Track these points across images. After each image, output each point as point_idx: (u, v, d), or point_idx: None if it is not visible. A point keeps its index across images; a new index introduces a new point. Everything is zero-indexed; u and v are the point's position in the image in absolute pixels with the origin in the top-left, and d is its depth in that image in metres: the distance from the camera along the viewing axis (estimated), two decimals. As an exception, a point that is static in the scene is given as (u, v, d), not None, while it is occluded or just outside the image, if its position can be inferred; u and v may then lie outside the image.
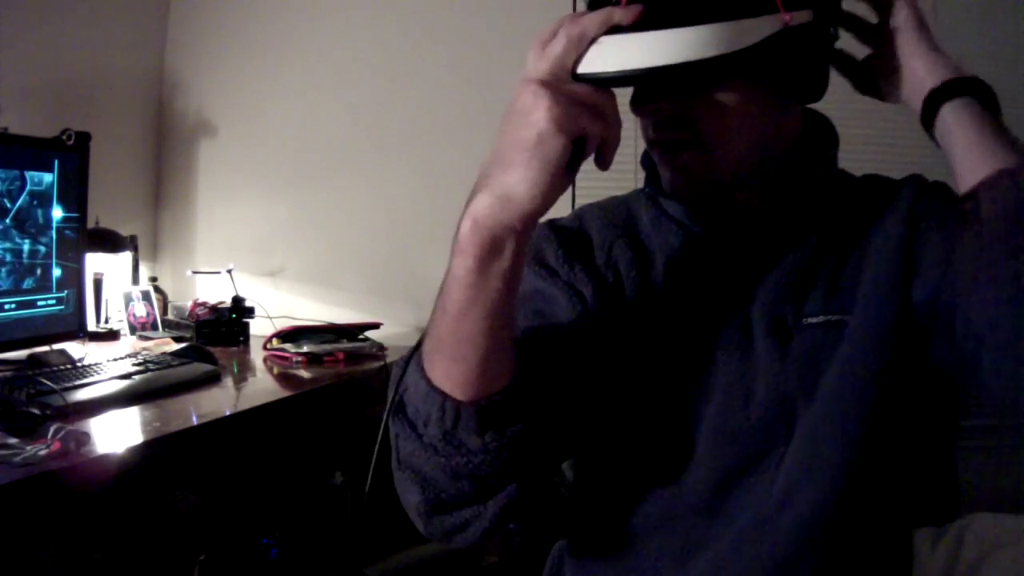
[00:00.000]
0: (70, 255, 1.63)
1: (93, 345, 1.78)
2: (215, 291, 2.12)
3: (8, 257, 1.49)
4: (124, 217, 2.13)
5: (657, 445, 0.75)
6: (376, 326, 1.93)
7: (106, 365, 1.42)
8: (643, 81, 0.68)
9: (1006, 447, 2.04)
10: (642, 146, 0.80)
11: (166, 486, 1.27)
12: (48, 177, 1.57)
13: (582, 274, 0.78)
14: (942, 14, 2.07)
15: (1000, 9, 2.09)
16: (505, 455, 0.63)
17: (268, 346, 1.85)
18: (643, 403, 0.76)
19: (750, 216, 0.77)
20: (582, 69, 0.61)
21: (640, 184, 0.86)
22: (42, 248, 1.56)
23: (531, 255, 0.79)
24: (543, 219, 0.68)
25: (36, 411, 1.13)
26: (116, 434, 1.12)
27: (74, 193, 1.63)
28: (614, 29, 0.62)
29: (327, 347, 1.79)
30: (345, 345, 1.82)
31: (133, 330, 1.95)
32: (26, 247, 1.52)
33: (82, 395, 1.24)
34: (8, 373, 1.35)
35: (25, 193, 1.51)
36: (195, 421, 1.21)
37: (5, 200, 1.47)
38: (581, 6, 0.71)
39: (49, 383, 1.22)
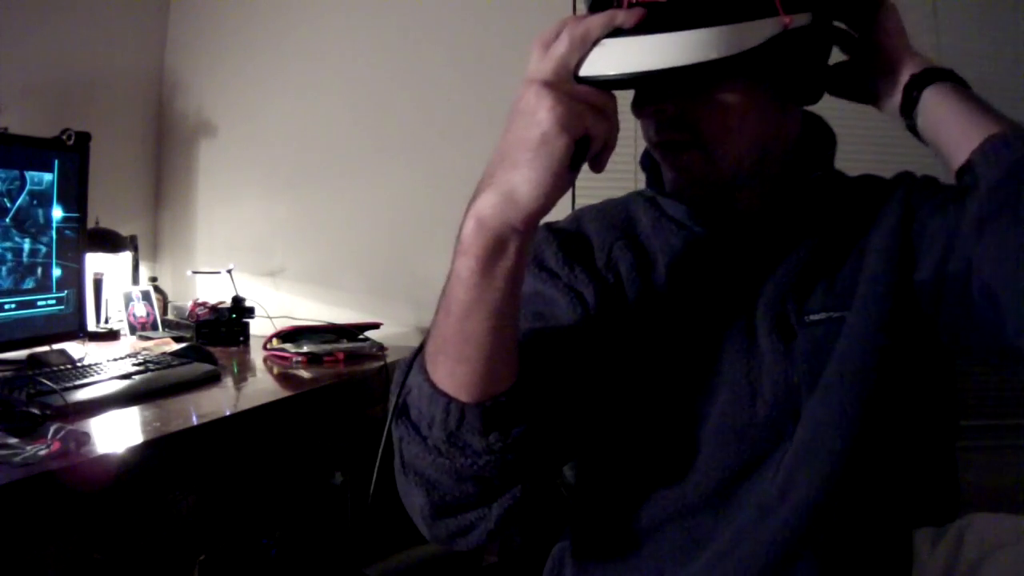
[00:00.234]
0: (70, 255, 1.63)
1: (93, 345, 1.78)
2: (215, 291, 2.12)
3: (8, 256, 1.49)
4: (124, 217, 2.13)
5: (661, 445, 0.76)
6: (376, 326, 1.93)
7: (106, 365, 1.42)
8: (645, 83, 0.69)
9: (1006, 447, 2.04)
10: (642, 146, 0.80)
11: (166, 486, 1.27)
12: (48, 177, 1.57)
13: (582, 276, 0.78)
14: (942, 14, 2.07)
15: (1000, 9, 2.09)
16: (509, 456, 0.63)
17: (268, 346, 1.85)
18: (647, 403, 0.76)
19: (751, 216, 0.78)
20: (585, 70, 0.61)
21: (640, 185, 0.86)
22: (42, 248, 1.56)
23: (530, 258, 0.80)
24: (542, 221, 0.68)
25: (36, 411, 1.13)
26: (116, 434, 1.12)
27: (74, 193, 1.63)
28: (617, 31, 0.62)
29: (327, 347, 1.79)
30: (345, 345, 1.82)
31: (133, 330, 1.95)
32: (26, 246, 1.52)
33: (82, 395, 1.24)
34: (8, 373, 1.35)
35: (25, 193, 1.51)
36: (195, 421, 1.21)
37: (5, 200, 1.48)
38: (581, 7, 0.72)
39: (49, 383, 1.22)
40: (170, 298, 2.22)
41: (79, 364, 1.45)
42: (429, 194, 2.13)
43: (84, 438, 1.02)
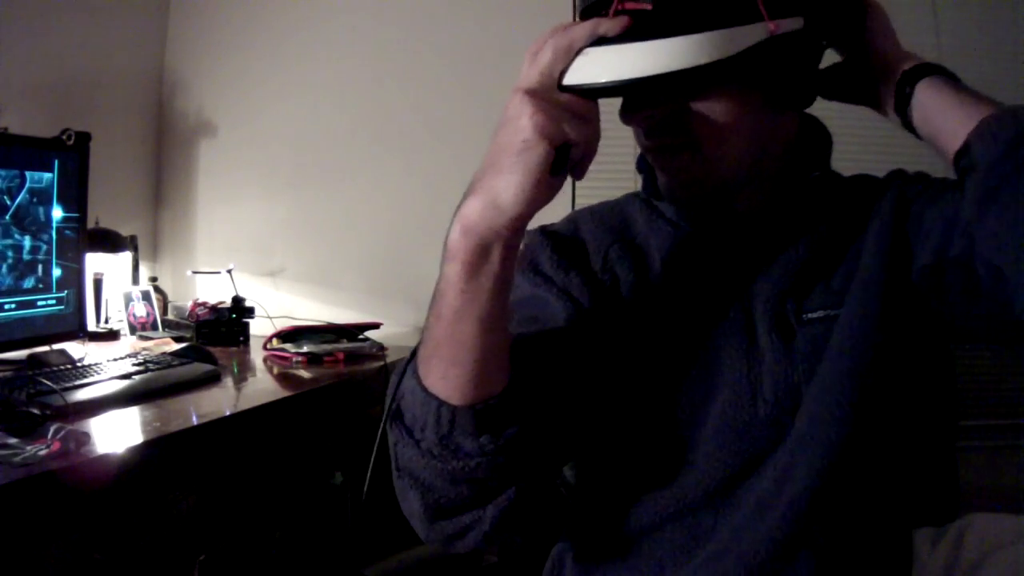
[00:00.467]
0: (70, 255, 1.63)
1: (93, 345, 1.78)
2: (215, 291, 2.12)
3: (9, 254, 1.49)
4: (124, 217, 2.13)
5: (661, 446, 0.76)
6: (376, 326, 1.93)
7: (106, 365, 1.42)
8: (628, 92, 0.69)
9: (1006, 447, 2.04)
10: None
11: (166, 486, 1.27)
12: (48, 176, 1.57)
13: (577, 279, 0.78)
14: (942, 14, 2.07)
15: (1000, 9, 2.09)
16: (501, 459, 0.64)
17: (268, 346, 1.85)
18: (646, 404, 0.76)
19: (749, 216, 0.78)
20: (569, 79, 0.62)
21: (640, 185, 0.86)
22: (42, 246, 1.56)
23: (525, 261, 0.80)
24: (537, 225, 0.69)
25: (36, 411, 1.13)
26: (116, 434, 1.12)
27: (74, 193, 1.63)
28: (601, 40, 0.63)
29: (327, 347, 1.79)
30: (345, 345, 1.82)
31: (133, 330, 1.95)
32: (26, 243, 1.52)
33: (82, 395, 1.24)
34: (8, 373, 1.35)
35: (24, 190, 1.51)
36: (195, 421, 1.21)
37: (4, 197, 1.48)
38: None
39: (49, 383, 1.22)
40: (170, 298, 2.22)
41: (79, 364, 1.45)
42: (429, 194, 2.12)
43: (84, 438, 1.02)
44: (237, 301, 1.98)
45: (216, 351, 1.70)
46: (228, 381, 1.55)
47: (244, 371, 1.70)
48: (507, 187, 0.58)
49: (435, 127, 2.16)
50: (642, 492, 0.76)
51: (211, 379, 1.49)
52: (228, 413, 1.30)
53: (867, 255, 0.75)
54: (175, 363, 1.49)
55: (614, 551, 0.78)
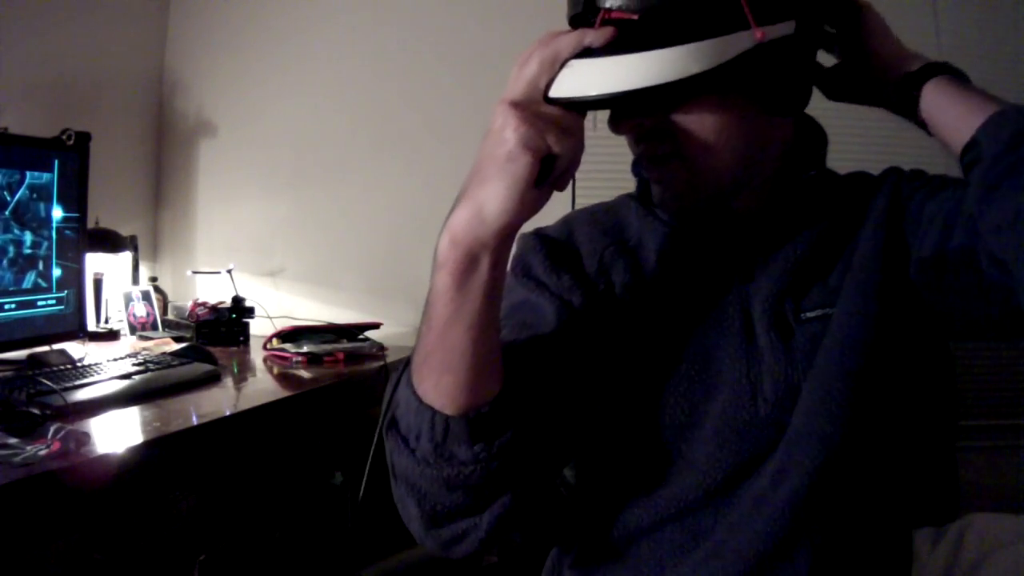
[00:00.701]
0: (70, 255, 1.63)
1: (93, 345, 1.78)
2: (215, 291, 2.12)
3: (10, 249, 1.49)
4: (124, 217, 2.13)
5: (660, 447, 0.76)
6: (376, 326, 1.93)
7: (106, 365, 1.42)
8: (613, 105, 0.69)
9: (1006, 447, 2.04)
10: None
11: (166, 486, 1.27)
12: (48, 175, 1.57)
13: (570, 283, 0.78)
14: (942, 14, 2.07)
15: (1000, 9, 2.09)
16: (495, 465, 0.64)
17: (268, 346, 1.85)
18: (645, 405, 0.76)
19: (746, 216, 0.78)
20: (554, 91, 0.62)
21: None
22: (42, 242, 1.56)
23: (518, 266, 0.81)
24: (532, 228, 0.69)
25: (36, 411, 1.13)
26: (116, 434, 1.12)
27: (74, 193, 1.63)
28: (587, 51, 0.63)
29: (327, 347, 1.79)
30: (345, 345, 1.82)
31: (133, 330, 1.95)
32: (27, 238, 1.52)
33: (82, 395, 1.24)
34: (8, 373, 1.35)
35: (24, 186, 1.51)
36: (195, 421, 1.21)
37: (4, 193, 1.47)
38: None
39: (49, 383, 1.22)
40: (170, 298, 2.22)
41: (79, 364, 1.45)
42: (429, 194, 2.12)
43: (84, 438, 1.02)
44: (237, 301, 1.98)
45: (216, 351, 1.70)
46: (228, 381, 1.55)
47: (244, 371, 1.70)
48: (492, 198, 0.59)
49: (435, 127, 2.16)
50: (641, 493, 0.76)
51: (211, 379, 1.49)
52: (228, 413, 1.31)
53: (861, 253, 0.76)
54: (175, 363, 1.49)
55: (614, 552, 0.78)
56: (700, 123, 0.69)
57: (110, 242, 1.95)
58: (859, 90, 0.80)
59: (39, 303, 1.56)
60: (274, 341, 1.84)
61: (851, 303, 0.73)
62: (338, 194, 2.24)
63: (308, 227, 2.27)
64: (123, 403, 1.26)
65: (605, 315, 0.77)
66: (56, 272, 1.60)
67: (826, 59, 0.81)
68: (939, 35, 2.04)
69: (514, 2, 2.07)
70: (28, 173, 1.52)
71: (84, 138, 1.64)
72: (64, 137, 1.61)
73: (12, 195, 1.49)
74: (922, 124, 0.75)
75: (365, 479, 0.68)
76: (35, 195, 1.54)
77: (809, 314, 0.75)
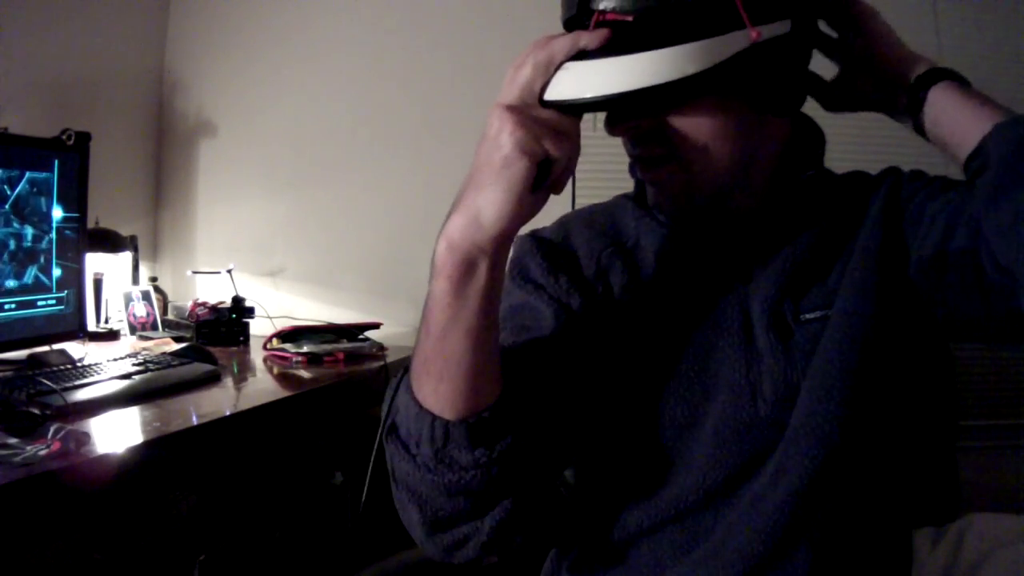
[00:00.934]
0: (70, 255, 1.63)
1: (93, 345, 1.78)
2: (215, 291, 2.12)
3: (11, 243, 1.48)
4: (124, 217, 2.13)
5: (660, 448, 0.75)
6: (376, 326, 1.93)
7: (106, 365, 1.42)
8: (608, 107, 0.69)
9: (1006, 447, 2.04)
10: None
11: (166, 486, 1.27)
12: (48, 173, 1.57)
13: (568, 285, 0.78)
14: (942, 14, 2.07)
15: (1000, 9, 2.09)
16: (495, 470, 0.64)
17: (268, 346, 1.85)
18: (643, 407, 0.76)
19: (744, 216, 0.78)
20: (549, 94, 0.62)
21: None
22: (43, 236, 1.56)
23: (515, 269, 0.81)
24: (528, 230, 0.68)
25: (36, 411, 1.13)
26: (116, 434, 1.12)
27: (74, 193, 1.63)
28: (582, 53, 0.63)
29: (327, 347, 1.79)
30: (345, 345, 1.82)
31: (133, 330, 1.95)
32: (28, 232, 1.52)
33: (82, 395, 1.24)
34: (8, 373, 1.35)
35: (24, 180, 1.51)
36: (195, 421, 1.21)
37: (5, 187, 1.47)
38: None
39: (49, 383, 1.22)
40: (170, 298, 2.22)
41: (79, 364, 1.45)
42: (429, 194, 2.12)
43: (84, 438, 1.02)
44: (237, 301, 1.98)
45: (216, 351, 1.69)
46: (228, 381, 1.55)
47: (244, 371, 1.70)
48: (488, 204, 0.59)
49: (435, 127, 2.16)
50: (641, 495, 0.76)
51: (211, 379, 1.49)
52: (228, 413, 1.30)
53: (858, 253, 0.75)
54: (175, 363, 1.49)
55: (613, 552, 0.78)
56: (696, 124, 0.69)
57: (110, 242, 1.95)
58: (861, 96, 0.79)
59: (39, 303, 1.56)
60: (274, 341, 1.84)
61: (850, 303, 0.73)
62: (338, 194, 2.24)
63: (308, 227, 2.27)
64: (123, 403, 1.26)
65: (603, 317, 0.77)
66: (56, 272, 1.60)
67: (823, 70, 0.81)
68: (939, 35, 2.04)
69: (515, 2, 2.07)
70: (28, 173, 1.52)
71: (84, 138, 1.64)
72: (64, 137, 1.61)
73: (12, 189, 1.49)
74: (920, 128, 0.75)
75: (367, 486, 0.68)
76: (35, 188, 1.53)
77: (808, 315, 0.75)
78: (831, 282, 0.76)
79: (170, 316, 2.10)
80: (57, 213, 1.59)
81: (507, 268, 0.73)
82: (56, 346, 1.58)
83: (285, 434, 1.49)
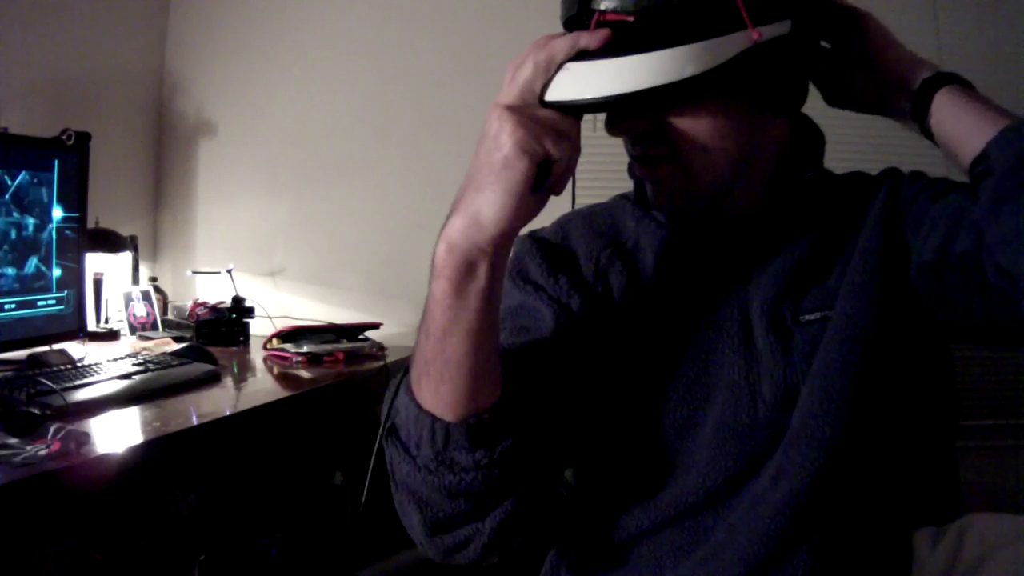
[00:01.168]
0: (70, 255, 1.63)
1: (93, 345, 1.78)
2: (215, 291, 2.12)
3: (12, 233, 1.48)
4: (124, 217, 2.13)
5: (659, 449, 0.75)
6: (376, 326, 1.93)
7: (106, 365, 1.42)
8: (608, 108, 0.69)
9: (1006, 447, 2.04)
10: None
11: (166, 486, 1.27)
12: (48, 175, 1.57)
13: (567, 286, 0.78)
14: (942, 14, 2.07)
15: (1000, 9, 2.09)
16: (496, 471, 0.64)
17: (268, 346, 1.85)
18: (643, 408, 0.76)
19: (743, 218, 0.77)
20: (550, 95, 0.62)
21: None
22: (42, 226, 1.55)
23: (514, 270, 0.80)
24: (526, 231, 0.68)
25: (36, 411, 1.13)
26: (116, 434, 1.12)
27: (74, 193, 1.63)
28: (583, 54, 0.62)
29: (327, 347, 1.79)
30: (345, 345, 1.82)
31: (133, 330, 1.94)
32: (29, 222, 1.51)
33: (82, 395, 1.23)
34: (8, 373, 1.35)
35: (24, 172, 1.51)
36: (195, 421, 1.21)
37: (5, 177, 1.47)
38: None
39: (49, 383, 1.22)
40: (170, 298, 2.21)
41: (79, 364, 1.45)
42: (429, 194, 2.12)
43: (84, 438, 1.02)
44: (237, 301, 1.98)
45: (216, 351, 1.69)
46: (228, 381, 1.55)
47: (244, 371, 1.70)
48: (488, 205, 0.59)
49: (436, 127, 2.16)
50: (641, 496, 0.76)
51: (211, 379, 1.49)
52: (228, 413, 1.30)
53: (858, 255, 0.75)
54: (175, 363, 1.49)
55: (613, 554, 0.78)
56: (696, 125, 0.69)
57: (110, 242, 1.95)
58: (861, 96, 0.79)
59: (39, 303, 1.56)
60: (274, 341, 1.84)
61: (850, 304, 0.73)
62: (338, 194, 2.24)
63: (308, 227, 2.27)
64: (123, 403, 1.26)
65: (603, 318, 0.77)
66: (56, 272, 1.60)
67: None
68: (939, 35, 2.04)
69: (515, 2, 2.07)
70: (28, 172, 1.52)
71: (84, 138, 1.63)
72: (64, 137, 1.61)
73: (12, 179, 1.48)
74: (927, 131, 0.74)
75: (367, 486, 0.68)
76: (35, 179, 1.53)
77: (808, 316, 0.75)
78: (831, 283, 0.76)
79: (170, 316, 2.10)
80: (57, 213, 1.59)
81: (507, 269, 0.72)
82: (56, 346, 1.58)
83: (285, 434, 1.49)
